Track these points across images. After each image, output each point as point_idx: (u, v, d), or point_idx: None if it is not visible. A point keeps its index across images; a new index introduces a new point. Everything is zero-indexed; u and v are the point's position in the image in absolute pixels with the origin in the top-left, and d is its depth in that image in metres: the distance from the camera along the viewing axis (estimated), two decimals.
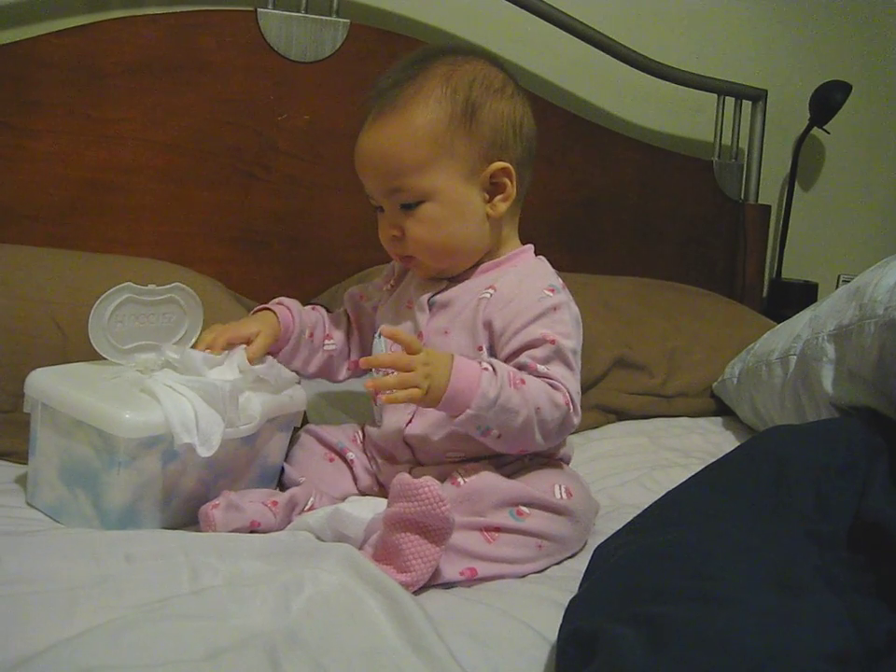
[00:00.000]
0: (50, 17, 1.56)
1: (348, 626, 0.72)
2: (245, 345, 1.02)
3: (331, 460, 1.08)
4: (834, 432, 0.86)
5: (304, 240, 1.66)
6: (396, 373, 0.90)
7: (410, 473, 0.99)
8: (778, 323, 1.56)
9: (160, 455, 0.90)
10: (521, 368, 0.96)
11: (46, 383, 0.94)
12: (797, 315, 1.46)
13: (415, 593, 0.81)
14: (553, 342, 0.97)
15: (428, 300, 1.06)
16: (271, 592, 0.75)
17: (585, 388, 1.34)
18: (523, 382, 0.94)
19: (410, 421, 1.03)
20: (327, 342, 1.15)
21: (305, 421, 1.13)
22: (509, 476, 0.98)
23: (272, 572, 0.79)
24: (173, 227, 1.57)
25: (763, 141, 2.10)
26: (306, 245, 1.66)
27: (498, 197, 1.04)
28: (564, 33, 1.83)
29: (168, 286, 1.02)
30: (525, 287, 1.02)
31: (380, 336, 1.08)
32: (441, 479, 0.94)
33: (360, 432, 1.12)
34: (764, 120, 2.09)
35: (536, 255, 1.10)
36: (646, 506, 0.82)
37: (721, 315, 1.76)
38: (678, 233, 2.04)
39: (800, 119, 2.19)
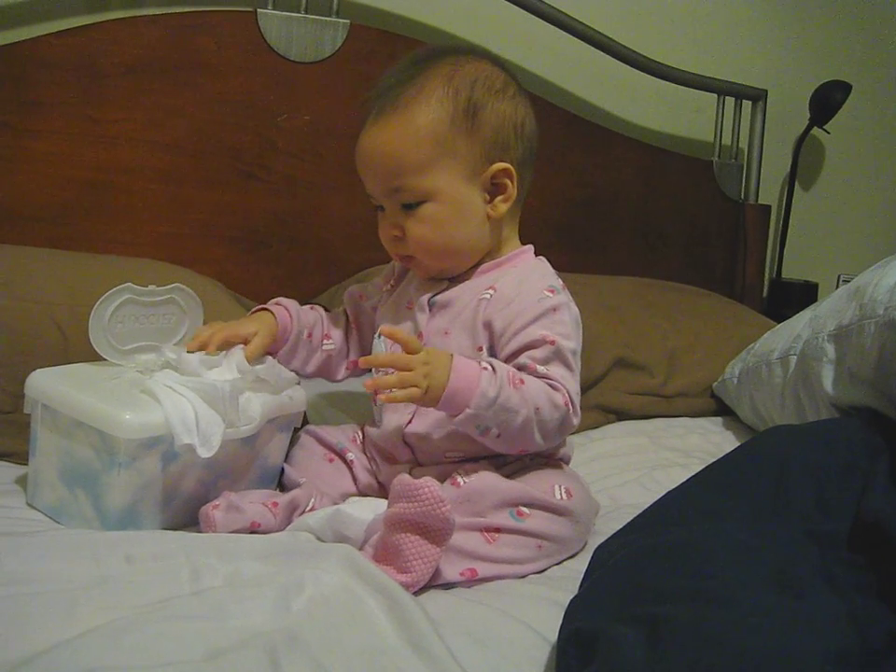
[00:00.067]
0: (50, 17, 1.57)
1: (348, 627, 0.72)
2: (242, 345, 1.02)
3: (331, 461, 1.08)
4: (835, 432, 0.86)
5: (304, 240, 1.66)
6: (395, 372, 0.90)
7: (410, 473, 0.99)
8: (779, 323, 1.56)
9: (160, 456, 0.90)
10: (520, 368, 0.96)
11: (46, 383, 0.94)
12: (797, 314, 1.46)
13: (415, 593, 0.81)
14: (552, 342, 0.97)
15: (429, 300, 1.06)
16: (271, 592, 0.75)
17: (585, 388, 1.34)
18: (522, 382, 0.94)
19: (410, 421, 1.03)
20: (325, 341, 1.15)
21: (305, 421, 1.13)
22: (509, 476, 0.98)
23: (272, 573, 0.79)
24: (173, 227, 1.57)
25: (763, 141, 2.10)
26: (306, 245, 1.66)
27: (499, 198, 1.04)
28: (564, 33, 1.83)
29: (168, 286, 1.02)
30: (525, 287, 1.02)
31: (380, 336, 1.08)
32: (441, 479, 0.94)
33: (360, 433, 1.12)
34: (764, 120, 2.09)
35: (536, 255, 1.10)
36: (646, 506, 0.82)
37: (722, 315, 1.76)
38: (678, 233, 2.04)
39: (800, 118, 2.19)
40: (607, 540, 0.78)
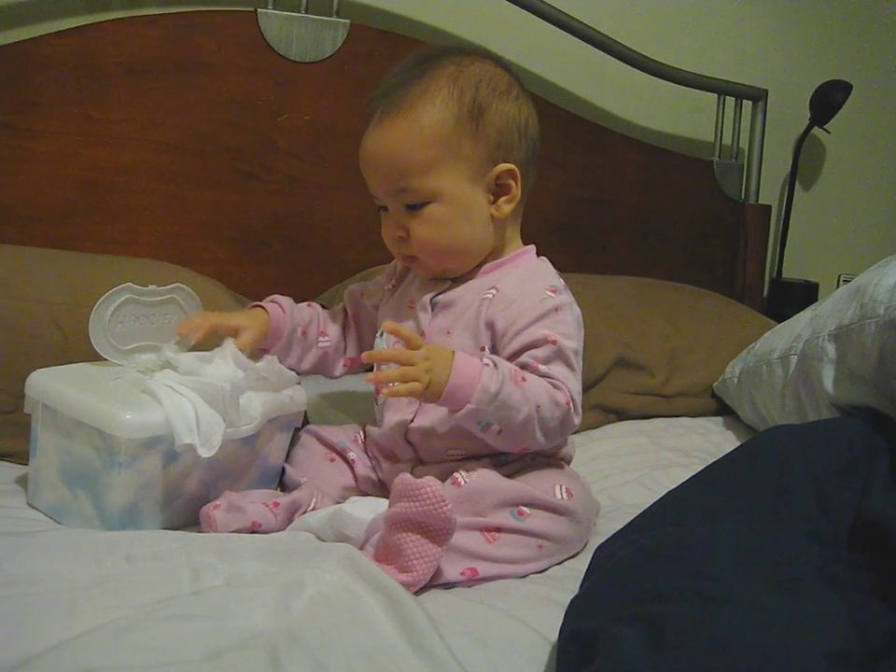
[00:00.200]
0: (51, 17, 1.57)
1: (349, 626, 0.72)
2: (232, 339, 1.01)
3: (332, 460, 1.08)
4: (835, 432, 0.86)
5: (304, 240, 1.66)
6: (398, 367, 0.91)
7: (412, 472, 0.99)
8: (779, 323, 1.56)
9: (160, 456, 0.90)
10: (522, 367, 0.97)
11: (46, 383, 0.94)
12: (798, 314, 1.46)
13: (416, 593, 0.81)
14: (554, 342, 0.97)
15: (431, 300, 1.06)
16: (271, 592, 0.75)
17: (586, 388, 1.34)
18: (524, 379, 0.94)
19: (412, 420, 1.03)
20: (321, 339, 1.15)
21: (306, 421, 1.13)
22: (510, 476, 0.98)
23: (272, 573, 0.79)
24: (173, 227, 1.57)
25: (763, 141, 2.10)
26: (306, 245, 1.66)
27: (503, 198, 1.04)
28: (564, 33, 1.83)
29: (168, 286, 1.02)
30: (527, 287, 1.02)
31: (382, 335, 1.08)
32: (443, 478, 0.94)
33: (361, 432, 1.12)
34: (765, 120, 2.09)
35: (537, 255, 1.10)
36: (646, 506, 0.82)
37: (722, 315, 1.76)
38: (678, 233, 2.04)
39: (800, 118, 2.19)
40: (607, 540, 0.78)
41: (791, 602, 0.61)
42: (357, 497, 1.01)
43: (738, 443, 1.33)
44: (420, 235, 1.02)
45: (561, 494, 0.96)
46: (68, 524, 0.92)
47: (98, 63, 1.50)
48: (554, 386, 0.96)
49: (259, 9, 1.59)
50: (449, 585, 0.87)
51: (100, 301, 0.97)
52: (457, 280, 1.07)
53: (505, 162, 1.03)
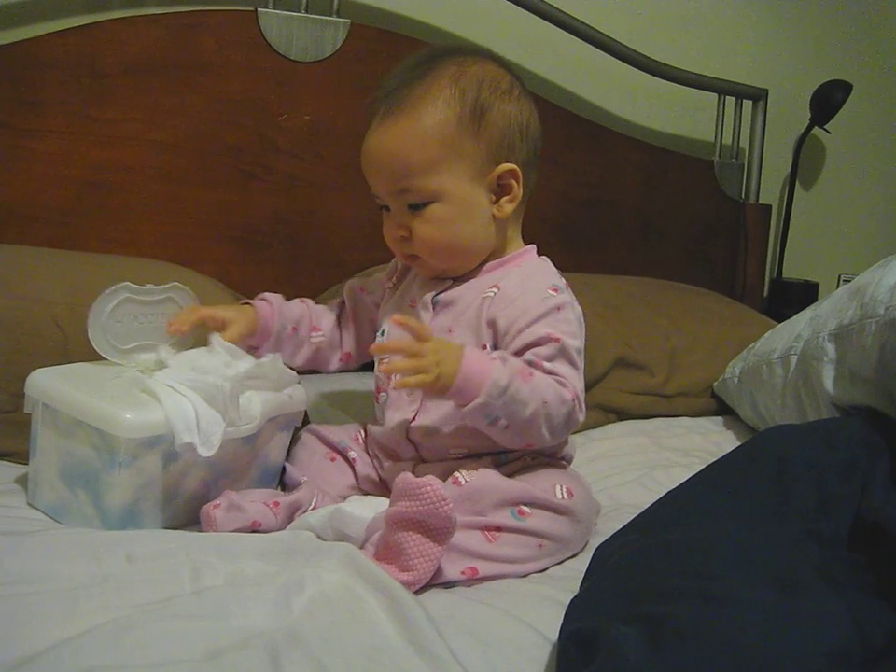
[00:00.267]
0: (51, 17, 1.56)
1: (349, 626, 0.72)
2: (217, 333, 1.01)
3: (333, 459, 1.08)
4: (835, 432, 0.86)
5: (305, 240, 1.66)
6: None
7: (413, 471, 0.99)
8: (779, 323, 1.56)
9: (160, 455, 0.90)
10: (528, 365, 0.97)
11: (46, 383, 0.94)
12: (798, 314, 1.46)
13: (416, 592, 0.81)
14: (557, 340, 0.98)
15: (432, 298, 1.06)
16: (272, 592, 0.75)
17: (586, 388, 1.34)
18: (531, 375, 0.94)
19: (413, 418, 1.03)
20: (314, 333, 1.15)
21: (306, 420, 1.13)
22: (510, 475, 0.98)
23: (273, 572, 0.79)
24: (173, 227, 1.57)
25: (763, 140, 2.10)
26: (307, 244, 1.66)
27: (505, 198, 1.04)
28: (564, 32, 1.83)
29: (165, 285, 1.02)
30: (528, 286, 1.03)
31: (383, 333, 1.09)
32: (444, 476, 0.94)
33: (362, 431, 1.12)
34: (765, 120, 2.09)
35: (538, 255, 1.10)
36: (647, 506, 0.82)
37: (722, 315, 1.76)
38: (678, 233, 2.04)
39: (800, 118, 2.19)
40: (607, 540, 0.78)
41: (791, 601, 0.61)
42: (358, 497, 1.01)
43: (738, 443, 1.33)
44: (422, 235, 1.02)
45: (561, 493, 0.96)
46: (68, 523, 0.92)
47: (98, 62, 1.50)
48: (559, 383, 0.96)
49: (259, 9, 1.59)
50: (449, 584, 0.87)
51: (97, 299, 0.97)
52: (459, 279, 1.07)
53: (507, 162, 1.03)
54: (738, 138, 2.09)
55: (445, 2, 1.83)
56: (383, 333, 1.09)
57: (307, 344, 1.14)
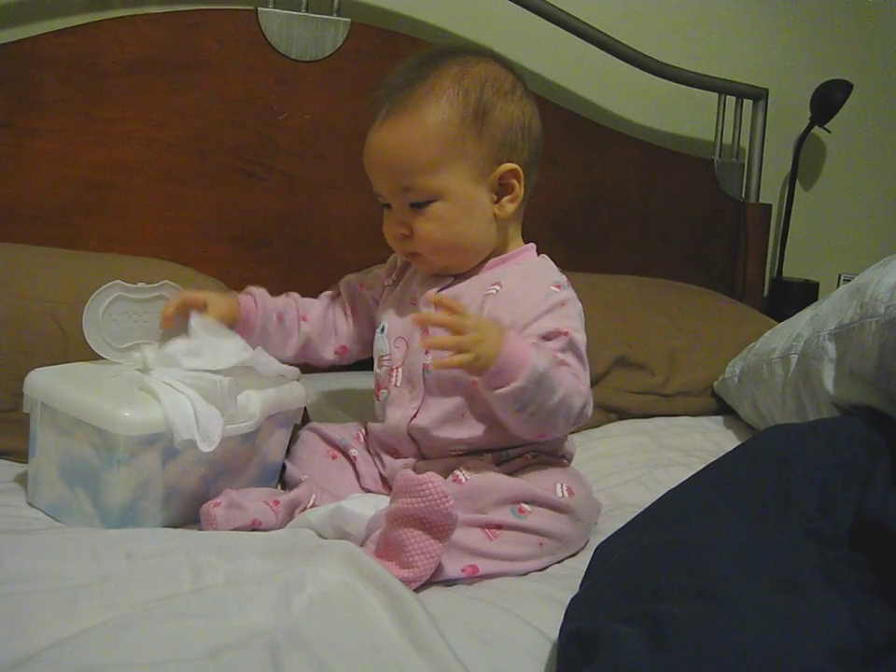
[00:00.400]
0: (51, 16, 1.56)
1: (349, 624, 0.72)
2: (196, 311, 1.01)
3: (334, 457, 1.08)
4: (835, 431, 0.86)
5: (305, 239, 1.66)
6: (447, 334, 0.89)
7: (413, 468, 0.99)
8: (779, 322, 1.56)
9: (159, 453, 0.90)
10: None
11: (45, 382, 0.95)
12: (798, 313, 1.45)
13: (416, 590, 0.81)
14: (566, 334, 0.98)
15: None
16: (272, 590, 0.75)
17: None
18: (560, 363, 0.95)
19: (415, 415, 1.03)
20: (302, 323, 1.14)
21: (306, 419, 1.13)
22: (511, 473, 0.98)
23: (273, 570, 0.79)
24: (173, 226, 1.57)
25: (763, 140, 2.10)
26: (307, 244, 1.66)
27: (506, 198, 1.04)
28: (565, 31, 1.83)
29: (157, 283, 1.03)
30: (531, 283, 1.03)
31: (383, 330, 1.09)
32: (445, 474, 0.94)
33: (363, 430, 1.12)
34: (765, 119, 2.09)
35: (538, 254, 1.11)
36: (647, 505, 0.82)
37: (722, 314, 1.76)
38: (678, 232, 2.04)
39: (801, 118, 2.19)
40: (608, 539, 0.78)
41: (791, 601, 0.61)
42: (358, 494, 1.01)
43: (739, 442, 1.33)
44: (424, 233, 1.02)
45: (562, 492, 0.97)
46: (68, 522, 0.92)
47: (98, 61, 1.50)
48: (574, 375, 0.96)
49: (259, 8, 1.59)
50: (450, 582, 0.87)
51: (91, 298, 0.98)
52: (460, 276, 1.07)
53: (509, 162, 1.03)
54: (738, 138, 2.09)
55: (446, 1, 1.83)
56: (383, 330, 1.09)
57: (296, 334, 1.13)
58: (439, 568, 0.84)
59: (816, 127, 2.16)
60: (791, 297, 2.12)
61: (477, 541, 0.89)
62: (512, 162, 1.03)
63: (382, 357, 1.08)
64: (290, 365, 1.05)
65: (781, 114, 2.17)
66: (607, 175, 1.94)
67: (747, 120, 2.09)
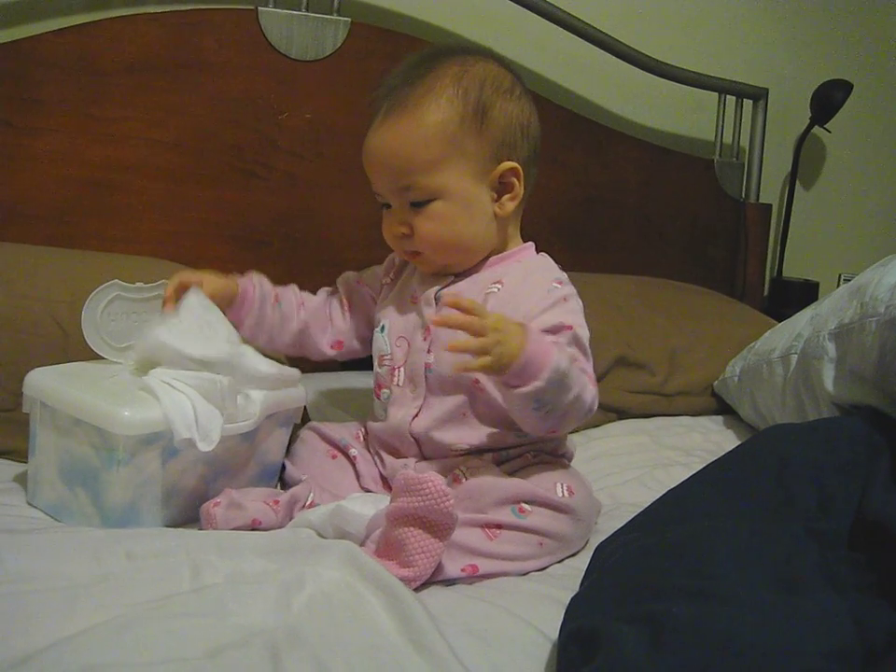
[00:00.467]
0: (51, 15, 1.56)
1: (349, 624, 0.72)
2: (195, 287, 1.01)
3: (334, 457, 1.08)
4: (835, 431, 0.86)
5: (305, 239, 1.66)
6: (467, 336, 0.87)
7: (414, 468, 0.99)
8: (779, 322, 1.56)
9: (159, 453, 0.90)
10: None
11: (44, 382, 0.94)
12: (798, 313, 1.46)
13: (416, 589, 0.81)
14: (570, 328, 0.98)
15: (435, 294, 1.06)
16: (272, 589, 0.75)
17: None
18: (574, 360, 0.94)
19: (416, 415, 1.03)
20: (300, 310, 1.15)
21: (306, 418, 1.13)
22: (511, 473, 0.98)
23: (273, 570, 0.79)
24: (173, 225, 1.57)
25: (763, 140, 2.10)
26: (307, 243, 1.66)
27: (506, 196, 1.04)
28: (565, 31, 1.83)
29: (155, 283, 1.03)
30: (532, 280, 1.03)
31: (382, 330, 1.09)
32: (446, 473, 0.94)
33: (363, 429, 1.12)
34: (765, 119, 2.09)
35: (537, 252, 1.11)
36: (647, 504, 0.82)
37: (722, 314, 1.76)
38: (678, 232, 2.04)
39: (801, 117, 2.19)
40: (608, 539, 0.78)
41: (791, 600, 0.61)
42: (358, 494, 1.01)
43: (739, 442, 1.33)
44: (424, 232, 1.02)
45: (562, 491, 0.97)
46: (68, 522, 0.92)
47: (98, 61, 1.50)
48: (582, 370, 0.96)
49: (259, 7, 1.59)
50: (450, 582, 0.87)
51: (89, 297, 0.98)
52: (460, 274, 1.07)
53: (508, 161, 1.03)
54: (739, 137, 2.09)
55: (446, 1, 1.83)
56: (383, 329, 1.09)
57: (294, 320, 1.13)
58: (439, 568, 0.84)
59: (816, 127, 2.16)
60: (791, 297, 2.12)
61: (477, 541, 0.89)
62: (512, 161, 1.04)
63: (383, 356, 1.08)
64: (292, 368, 1.05)
65: (781, 114, 2.17)
66: (607, 175, 1.94)
67: (747, 120, 2.09)
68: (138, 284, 1.01)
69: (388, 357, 1.07)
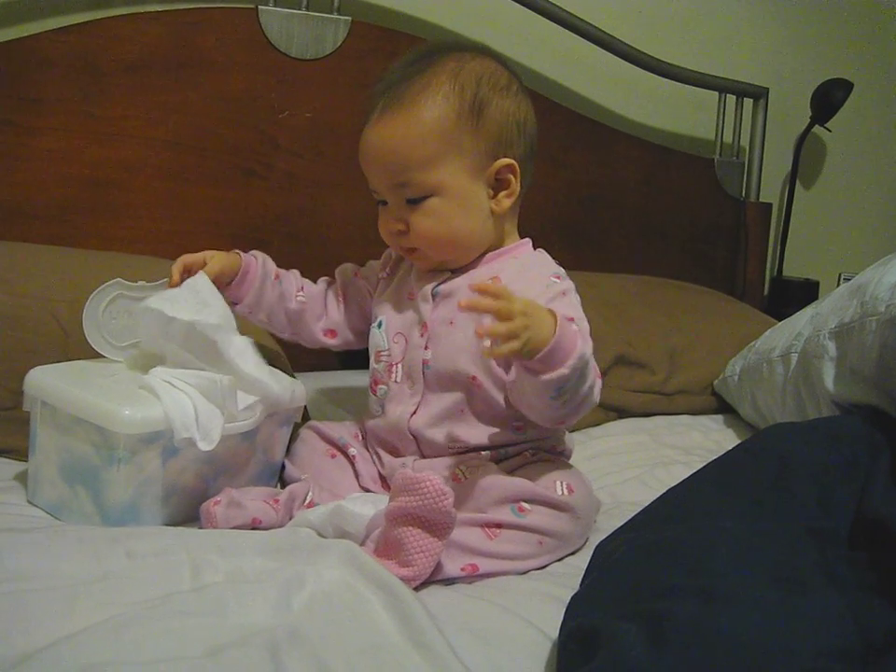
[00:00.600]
0: (52, 14, 1.56)
1: (349, 623, 0.72)
2: (201, 271, 1.02)
3: (333, 456, 1.08)
4: (835, 430, 0.86)
5: (305, 237, 1.66)
6: (495, 322, 0.85)
7: (412, 466, 0.99)
8: (779, 321, 1.56)
9: (160, 451, 0.90)
10: None
11: (45, 380, 0.94)
12: (798, 312, 1.46)
13: (416, 589, 0.81)
14: (571, 320, 0.97)
15: (432, 290, 1.06)
16: (272, 588, 0.75)
17: None
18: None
19: (415, 411, 1.03)
20: (299, 294, 1.15)
21: (306, 417, 1.13)
22: (510, 472, 0.98)
23: (273, 569, 0.79)
24: (174, 224, 1.57)
25: (764, 139, 2.10)
26: (307, 242, 1.66)
27: (503, 193, 1.04)
28: (565, 30, 1.83)
29: (157, 282, 1.03)
30: (530, 276, 1.03)
31: (380, 326, 1.08)
32: (444, 473, 0.94)
33: (363, 428, 1.12)
34: (766, 118, 2.09)
35: (534, 248, 1.11)
36: (647, 503, 0.82)
37: (723, 313, 1.76)
38: (679, 231, 2.04)
39: (801, 116, 2.19)
40: (608, 537, 0.78)
41: (791, 599, 0.61)
42: (358, 494, 1.01)
43: (739, 441, 1.33)
44: (421, 229, 1.02)
45: (562, 490, 0.96)
46: (68, 520, 0.92)
47: (99, 60, 1.50)
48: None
49: (259, 6, 1.59)
50: (449, 581, 0.87)
51: (91, 296, 0.98)
52: (457, 271, 1.07)
53: (505, 158, 1.03)
54: (739, 136, 2.09)
55: (446, 0, 1.83)
56: (380, 325, 1.09)
57: (293, 301, 1.14)
58: (438, 567, 0.84)
59: (816, 126, 2.17)
60: (792, 296, 2.12)
61: (477, 540, 0.89)
62: (508, 158, 1.03)
63: (379, 352, 1.08)
64: (287, 379, 1.05)
65: (782, 113, 2.17)
66: (607, 174, 1.94)
67: (747, 119, 2.09)
68: (140, 282, 1.01)
69: (386, 352, 1.07)
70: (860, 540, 0.72)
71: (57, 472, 0.93)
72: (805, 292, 2.11)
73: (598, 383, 0.96)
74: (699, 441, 1.43)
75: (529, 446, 1.03)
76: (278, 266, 1.16)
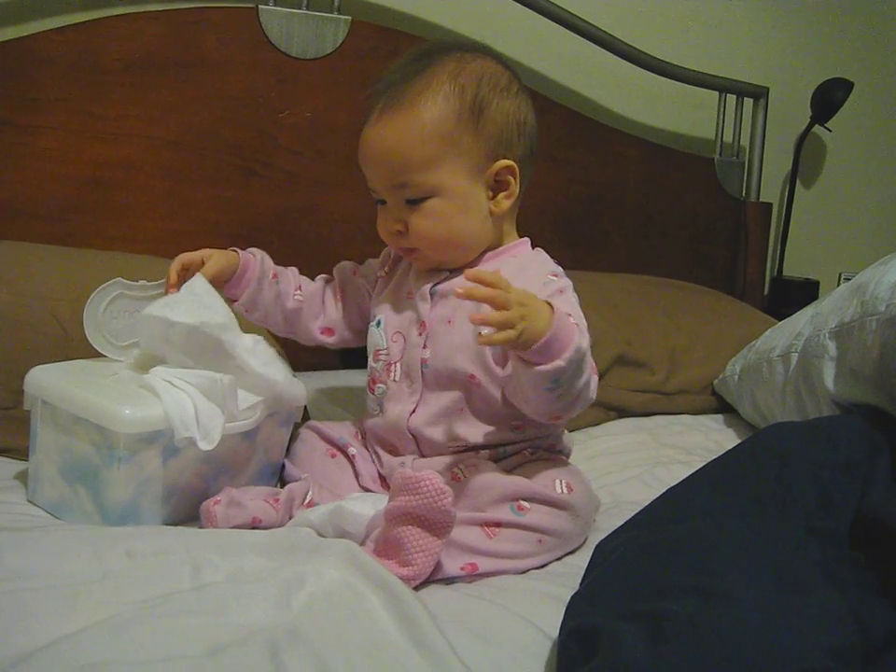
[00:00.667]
0: (51, 13, 1.56)
1: (350, 622, 0.72)
2: (199, 272, 1.02)
3: (333, 456, 1.08)
4: (836, 429, 0.86)
5: (305, 237, 1.66)
6: (493, 311, 0.84)
7: (412, 465, 0.99)
8: (779, 321, 1.56)
9: (160, 451, 0.90)
10: None
11: (45, 380, 0.94)
12: (799, 312, 1.46)
13: (416, 588, 0.81)
14: (569, 317, 0.97)
15: (430, 289, 1.06)
16: (272, 588, 0.75)
17: None
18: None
19: (413, 411, 1.03)
20: (297, 292, 1.15)
21: (306, 417, 1.13)
22: (509, 471, 0.98)
23: (273, 568, 0.79)
24: (174, 224, 1.57)
25: (764, 138, 2.10)
26: (307, 242, 1.66)
27: (502, 194, 1.04)
28: (566, 30, 1.83)
29: (158, 281, 1.03)
30: (528, 274, 1.03)
31: (378, 324, 1.08)
32: (443, 472, 0.94)
33: (362, 427, 1.12)
34: (766, 118, 2.09)
35: (533, 248, 1.11)
36: (647, 503, 0.81)
37: (723, 313, 1.76)
38: (679, 231, 2.04)
39: (801, 116, 2.19)
40: (608, 537, 0.78)
41: (792, 598, 0.61)
42: (358, 494, 1.01)
43: (739, 441, 1.33)
44: (420, 229, 1.02)
45: (561, 488, 0.96)
46: (68, 520, 0.92)
47: (99, 59, 1.50)
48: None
49: (260, 6, 1.59)
50: (449, 580, 0.87)
51: (92, 295, 0.98)
52: (455, 271, 1.07)
53: (504, 158, 1.03)
54: (739, 136, 2.09)
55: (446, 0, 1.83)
56: (378, 324, 1.09)
57: (290, 299, 1.14)
58: (438, 566, 0.84)
59: (816, 126, 2.17)
60: (792, 295, 2.12)
61: (476, 539, 0.89)
62: (508, 159, 1.03)
63: (378, 350, 1.08)
64: (291, 365, 1.05)
65: (782, 112, 2.17)
66: (607, 174, 1.94)
67: (747, 119, 2.09)
68: (141, 281, 1.01)
69: (384, 351, 1.07)
70: (860, 540, 0.72)
71: (57, 472, 0.93)
72: (805, 292, 2.11)
73: (595, 379, 0.96)
74: (699, 441, 1.43)
75: (528, 445, 1.03)
76: (277, 264, 1.16)
